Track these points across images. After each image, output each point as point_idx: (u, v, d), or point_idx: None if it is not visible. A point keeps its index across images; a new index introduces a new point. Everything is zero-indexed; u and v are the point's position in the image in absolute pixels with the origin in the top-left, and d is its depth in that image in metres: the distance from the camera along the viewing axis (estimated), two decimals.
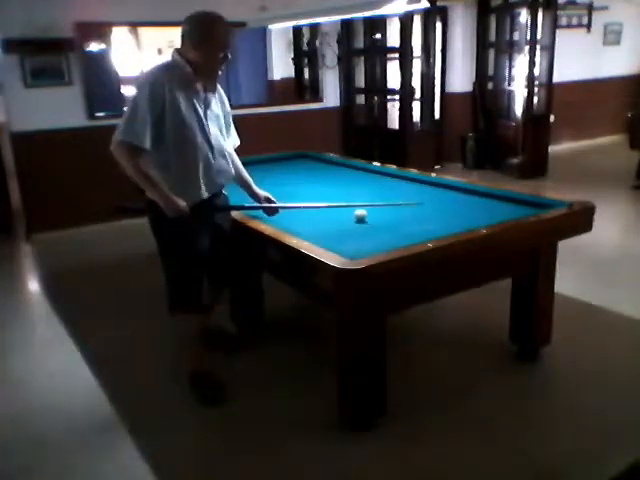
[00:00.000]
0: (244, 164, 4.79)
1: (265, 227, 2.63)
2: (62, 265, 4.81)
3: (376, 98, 7.56)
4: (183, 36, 2.45)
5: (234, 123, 2.89)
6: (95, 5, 5.26)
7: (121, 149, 2.33)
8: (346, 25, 7.02)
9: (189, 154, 2.46)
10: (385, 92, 7.42)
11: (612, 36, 8.96)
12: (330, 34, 6.92)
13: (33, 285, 4.63)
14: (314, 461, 2.34)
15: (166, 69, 2.43)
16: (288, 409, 2.69)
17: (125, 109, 2.37)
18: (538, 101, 7.14)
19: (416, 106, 7.36)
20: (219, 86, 2.63)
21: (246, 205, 2.81)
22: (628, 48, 9.17)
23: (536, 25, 6.82)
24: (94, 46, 6.28)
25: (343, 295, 2.23)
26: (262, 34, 7.13)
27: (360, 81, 7.49)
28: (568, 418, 2.56)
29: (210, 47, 2.40)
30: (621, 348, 3.16)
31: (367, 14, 4.67)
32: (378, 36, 7.31)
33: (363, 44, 7.38)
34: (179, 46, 2.49)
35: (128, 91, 9.89)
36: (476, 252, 2.42)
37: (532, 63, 6.88)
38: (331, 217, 2.98)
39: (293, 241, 2.41)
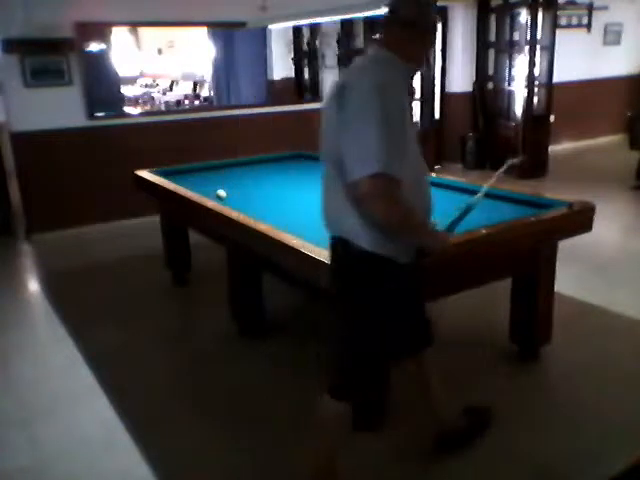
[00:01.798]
0: (244, 164, 4.80)
1: (264, 227, 2.63)
2: (62, 265, 4.81)
3: None
4: (393, 22, 1.85)
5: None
6: (95, 5, 5.25)
7: (376, 186, 1.65)
8: (346, 25, 7.02)
9: (415, 178, 1.85)
10: None
11: (612, 36, 8.95)
12: (330, 34, 6.92)
13: (33, 285, 4.63)
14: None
15: (386, 68, 1.79)
16: (288, 409, 2.69)
17: (352, 127, 1.70)
18: (538, 101, 7.13)
19: (416, 106, 7.36)
20: None
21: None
22: (628, 48, 9.17)
23: (536, 25, 6.81)
24: (94, 46, 6.30)
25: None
26: (262, 34, 7.12)
27: None
28: (568, 418, 2.56)
29: (429, 36, 1.90)
30: (621, 348, 3.16)
31: (367, 14, 4.66)
32: (378, 36, 7.30)
33: (363, 44, 7.38)
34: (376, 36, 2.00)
35: (128, 91, 9.94)
36: (476, 252, 2.42)
37: (532, 63, 6.88)
38: None
39: (293, 241, 2.41)
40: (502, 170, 2.23)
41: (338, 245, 1.90)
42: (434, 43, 1.94)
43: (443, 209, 2.78)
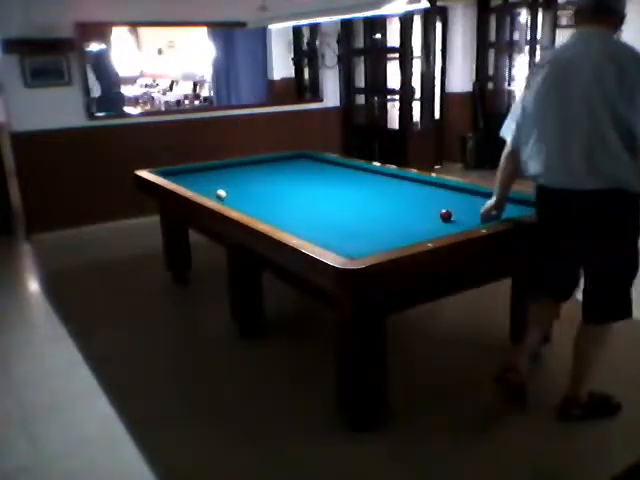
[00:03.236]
0: (245, 164, 4.80)
1: (264, 227, 2.63)
2: (62, 265, 4.81)
3: (376, 98, 7.56)
4: (609, 11, 2.28)
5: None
6: (95, 5, 5.25)
7: None
8: (346, 25, 7.02)
9: None
10: (385, 92, 7.42)
11: None
12: (330, 34, 6.92)
13: (33, 285, 4.63)
14: (314, 461, 2.34)
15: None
16: (288, 409, 2.70)
17: None
18: None
19: (416, 106, 7.36)
20: None
21: None
22: None
23: (536, 25, 6.82)
24: (94, 46, 6.31)
25: (343, 295, 2.23)
26: (262, 34, 7.12)
27: (360, 81, 7.49)
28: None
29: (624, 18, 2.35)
30: (621, 348, 3.15)
31: (367, 14, 4.66)
32: (378, 36, 7.31)
33: (363, 44, 7.38)
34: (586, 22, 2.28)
35: (128, 91, 9.94)
36: (476, 252, 2.42)
37: (532, 63, 6.88)
38: (330, 216, 2.99)
39: (293, 241, 2.41)
40: None
41: (605, 194, 2.24)
42: None
43: (441, 207, 2.79)
